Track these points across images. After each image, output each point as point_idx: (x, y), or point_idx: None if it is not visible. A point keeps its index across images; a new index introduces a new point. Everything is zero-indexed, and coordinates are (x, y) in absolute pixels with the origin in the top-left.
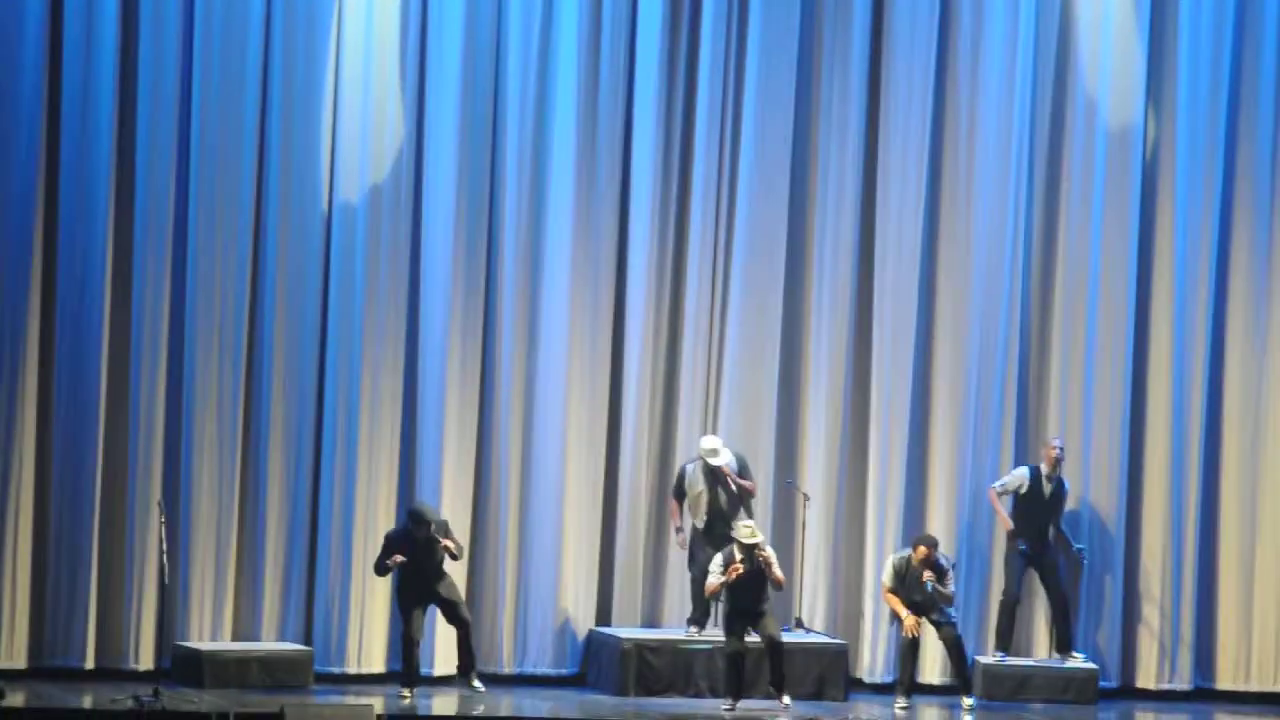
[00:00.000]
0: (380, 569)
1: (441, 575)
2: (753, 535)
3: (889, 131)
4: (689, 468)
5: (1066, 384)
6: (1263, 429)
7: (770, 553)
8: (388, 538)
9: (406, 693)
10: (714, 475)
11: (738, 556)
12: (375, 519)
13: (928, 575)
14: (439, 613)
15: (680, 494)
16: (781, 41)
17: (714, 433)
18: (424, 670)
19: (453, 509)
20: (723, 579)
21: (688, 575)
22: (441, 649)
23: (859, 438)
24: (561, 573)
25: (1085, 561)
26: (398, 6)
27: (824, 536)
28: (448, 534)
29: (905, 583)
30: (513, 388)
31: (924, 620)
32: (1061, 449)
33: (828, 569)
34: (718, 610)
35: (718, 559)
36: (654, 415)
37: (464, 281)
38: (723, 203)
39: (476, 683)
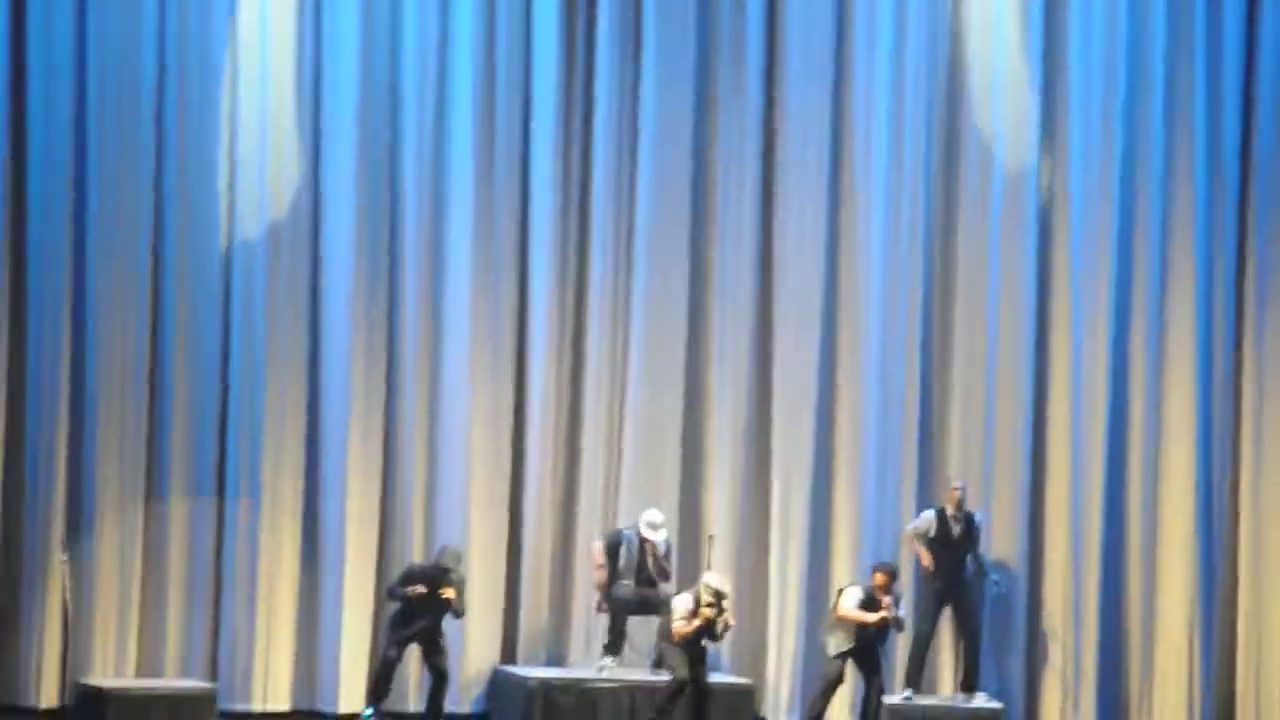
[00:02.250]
0: (394, 594)
1: (438, 624)
2: (724, 584)
3: (785, 182)
4: (627, 533)
5: (967, 424)
6: (1163, 468)
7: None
8: (409, 566)
9: (370, 712)
10: (644, 547)
11: (704, 600)
12: (279, 556)
13: (887, 603)
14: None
15: (613, 553)
16: (676, 100)
17: (619, 471)
18: (329, 708)
19: (357, 547)
20: (690, 629)
21: (593, 614)
22: (346, 685)
23: (762, 476)
24: (467, 611)
25: (1003, 591)
26: (292, 45)
27: (728, 577)
28: (461, 591)
29: (868, 607)
30: (416, 423)
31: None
32: (963, 488)
33: (732, 609)
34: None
35: (684, 601)
36: (558, 452)
37: (364, 321)
38: (621, 252)
39: None
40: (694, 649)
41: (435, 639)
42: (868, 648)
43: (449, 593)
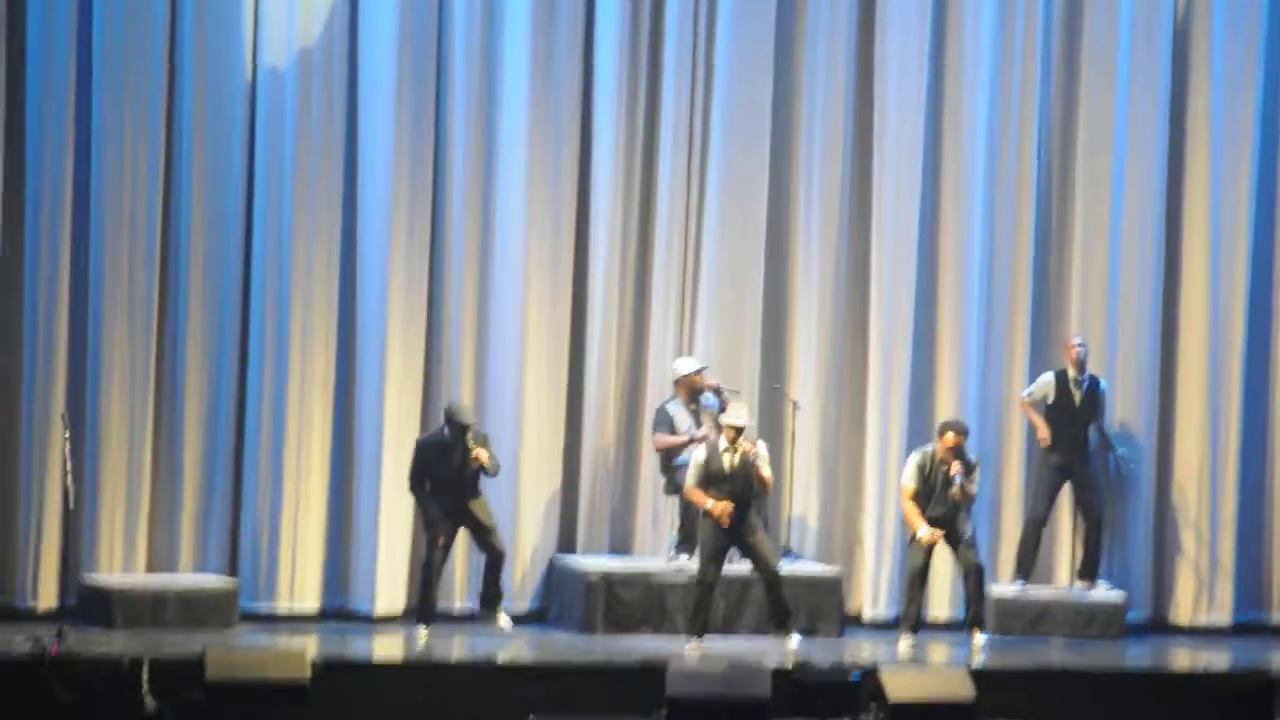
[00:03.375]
0: (416, 486)
1: (475, 493)
2: (740, 417)
3: (886, 6)
4: (669, 406)
5: (1088, 273)
6: None
7: (760, 448)
8: (419, 446)
9: (424, 630)
10: (696, 402)
11: (722, 447)
12: (309, 432)
13: (956, 467)
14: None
15: (670, 432)
16: None
17: (691, 336)
18: (364, 608)
19: (398, 423)
20: (708, 508)
21: (662, 497)
22: (385, 581)
23: (857, 338)
24: (519, 495)
25: (1131, 467)
26: None
27: (816, 451)
28: (486, 445)
29: (929, 484)
30: (464, 287)
31: (940, 539)
32: (1083, 346)
33: (821, 487)
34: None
35: (698, 454)
36: (624, 310)
37: (408, 161)
38: (699, 77)
39: (503, 621)
40: (734, 526)
41: (480, 518)
42: (945, 525)
43: (480, 455)
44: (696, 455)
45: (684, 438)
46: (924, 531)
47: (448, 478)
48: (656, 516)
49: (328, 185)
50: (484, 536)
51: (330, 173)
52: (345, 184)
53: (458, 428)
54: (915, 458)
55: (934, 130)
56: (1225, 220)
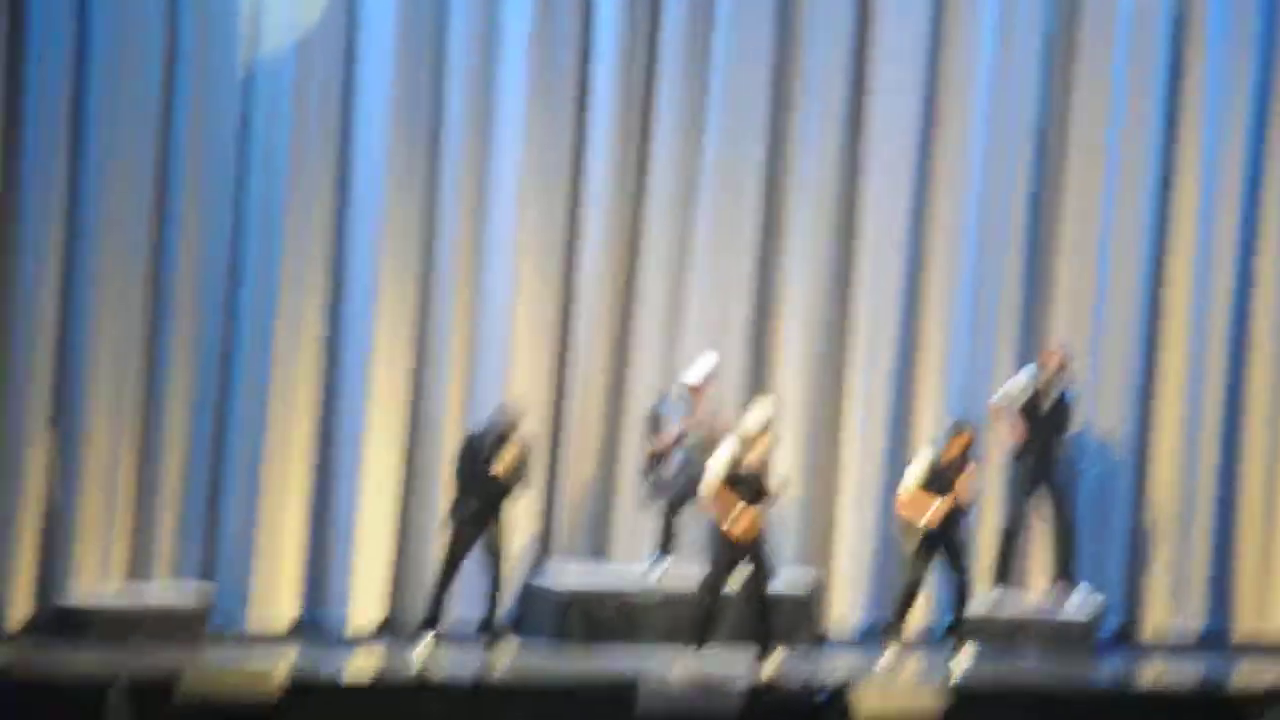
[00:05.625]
0: (459, 477)
1: (495, 512)
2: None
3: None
4: (670, 401)
5: (1076, 282)
6: None
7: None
8: (466, 437)
9: (429, 637)
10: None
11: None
12: (288, 444)
13: (970, 470)
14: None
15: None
16: None
17: (679, 327)
18: (339, 621)
19: (384, 425)
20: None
21: (644, 500)
22: (359, 598)
23: (839, 342)
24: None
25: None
26: None
27: (795, 454)
28: (521, 458)
29: (938, 482)
30: (455, 282)
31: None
32: (1063, 354)
33: (798, 493)
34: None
35: (720, 460)
36: (611, 314)
37: (402, 162)
38: (695, 72)
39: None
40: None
41: (492, 534)
42: (940, 537)
43: (507, 455)
44: (721, 461)
45: (668, 438)
46: (934, 514)
47: (478, 481)
48: (637, 521)
49: (321, 176)
50: (491, 559)
51: (323, 165)
52: (338, 173)
53: (500, 428)
54: (928, 457)
55: (926, 127)
56: (1214, 224)
